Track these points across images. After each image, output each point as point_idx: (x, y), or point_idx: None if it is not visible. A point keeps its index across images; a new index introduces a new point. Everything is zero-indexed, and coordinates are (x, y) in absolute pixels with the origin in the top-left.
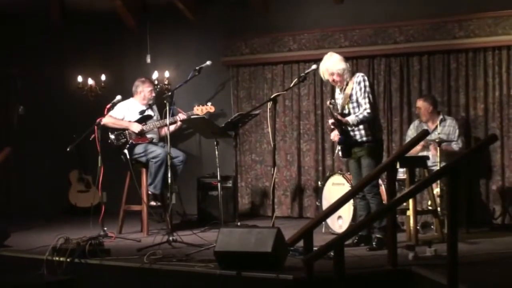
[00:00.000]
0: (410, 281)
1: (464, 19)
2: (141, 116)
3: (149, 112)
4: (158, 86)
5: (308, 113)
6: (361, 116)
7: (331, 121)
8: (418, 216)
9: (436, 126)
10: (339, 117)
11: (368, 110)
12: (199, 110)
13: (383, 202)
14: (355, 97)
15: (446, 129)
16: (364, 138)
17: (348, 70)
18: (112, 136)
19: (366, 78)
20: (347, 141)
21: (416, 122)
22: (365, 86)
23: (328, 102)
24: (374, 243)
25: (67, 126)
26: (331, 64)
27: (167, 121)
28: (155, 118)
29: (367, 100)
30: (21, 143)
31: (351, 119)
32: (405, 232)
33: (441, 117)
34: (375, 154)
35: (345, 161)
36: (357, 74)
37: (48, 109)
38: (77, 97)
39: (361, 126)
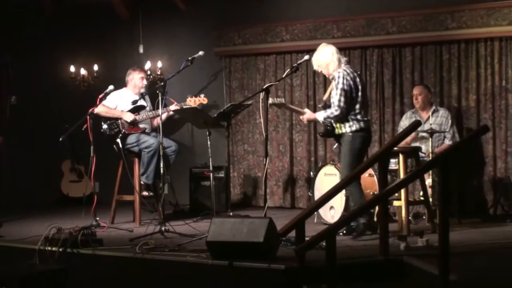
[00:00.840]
0: (401, 271)
1: (457, 10)
2: (133, 106)
3: (141, 102)
4: (151, 76)
5: (300, 103)
6: (328, 113)
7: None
8: (410, 207)
9: (429, 117)
10: (296, 108)
11: (336, 108)
12: (192, 102)
13: (361, 190)
14: (333, 93)
15: (439, 119)
16: (342, 130)
17: (334, 63)
18: (104, 126)
19: (342, 75)
20: (328, 133)
21: (408, 113)
22: (338, 83)
23: (270, 101)
24: (355, 227)
25: (60, 116)
26: (318, 55)
27: (160, 111)
28: (147, 108)
29: (337, 98)
30: (13, 133)
31: (319, 115)
32: (397, 222)
33: (433, 107)
34: (352, 144)
35: (337, 152)
36: (338, 70)
37: (41, 99)
38: (70, 87)
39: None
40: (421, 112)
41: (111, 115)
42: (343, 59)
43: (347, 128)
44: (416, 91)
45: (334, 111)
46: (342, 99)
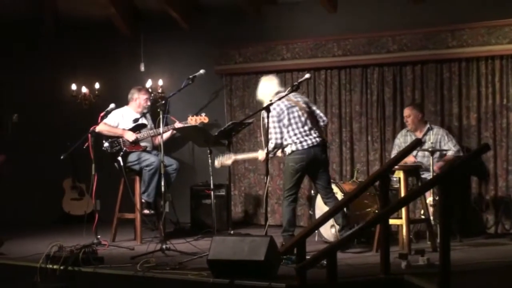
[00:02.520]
0: None
1: (457, 28)
2: (135, 124)
3: (143, 120)
4: (152, 95)
5: None
6: (269, 148)
7: None
8: (411, 225)
9: (423, 136)
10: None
11: (271, 142)
12: (193, 120)
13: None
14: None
15: (433, 137)
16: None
17: (267, 94)
18: (106, 144)
19: (263, 113)
20: None
21: (403, 131)
22: (268, 121)
23: (216, 164)
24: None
25: (61, 134)
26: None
27: (161, 129)
28: (149, 126)
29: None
30: (15, 151)
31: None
32: (398, 241)
33: (428, 126)
34: (286, 166)
35: (339, 170)
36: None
37: (42, 117)
38: (71, 105)
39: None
40: (415, 132)
41: (113, 133)
42: (276, 90)
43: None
44: (405, 113)
45: (270, 144)
46: (272, 131)
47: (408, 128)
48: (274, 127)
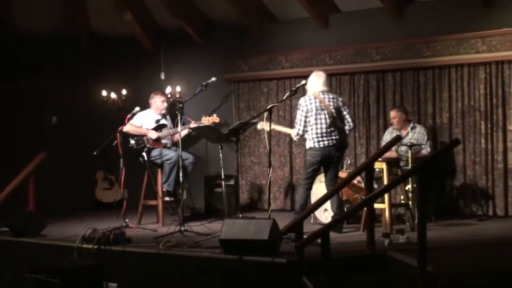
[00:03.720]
0: (386, 263)
1: (431, 40)
2: (157, 124)
3: (163, 121)
4: (171, 99)
5: None
6: (294, 133)
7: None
8: (392, 209)
9: (408, 133)
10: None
11: (295, 129)
12: (206, 120)
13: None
14: None
15: (416, 135)
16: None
17: (307, 87)
18: (132, 141)
19: (300, 102)
20: None
21: (390, 129)
22: (298, 108)
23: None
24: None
25: (94, 133)
26: None
27: (179, 129)
28: (168, 126)
29: (296, 121)
30: (55, 149)
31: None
32: (381, 222)
33: (411, 124)
34: (305, 158)
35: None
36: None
37: (78, 119)
38: (102, 108)
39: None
40: (401, 130)
41: (138, 133)
42: (315, 86)
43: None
44: (391, 115)
45: (294, 130)
46: (298, 122)
47: (395, 127)
48: (300, 120)
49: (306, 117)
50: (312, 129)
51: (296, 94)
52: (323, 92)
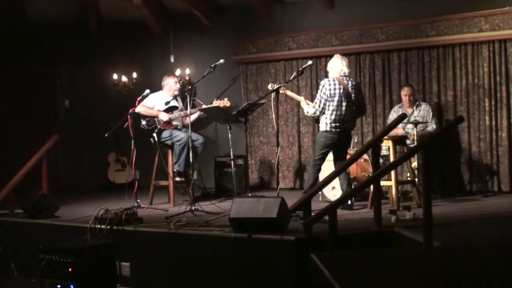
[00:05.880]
0: (393, 239)
1: (435, 20)
2: (168, 106)
3: (174, 103)
4: (181, 81)
5: None
6: (307, 108)
7: None
8: (399, 186)
9: (413, 111)
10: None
11: (311, 108)
12: (217, 104)
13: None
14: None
15: (421, 112)
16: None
17: (330, 69)
18: (143, 122)
19: (324, 83)
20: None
21: (396, 107)
22: (319, 90)
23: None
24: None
25: (105, 116)
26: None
27: (189, 110)
28: (180, 108)
29: (316, 100)
30: (67, 131)
31: (306, 107)
32: (388, 199)
33: (417, 102)
34: (317, 140)
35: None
36: (326, 79)
37: (89, 102)
38: (113, 91)
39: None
40: (407, 108)
41: (150, 113)
42: (339, 68)
43: (321, 128)
44: (405, 91)
45: (311, 108)
46: (318, 102)
47: (407, 104)
48: (320, 101)
49: (327, 100)
50: (332, 113)
51: (303, 74)
52: (346, 76)
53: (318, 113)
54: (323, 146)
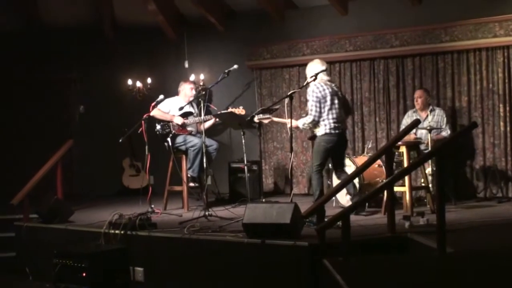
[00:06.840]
0: (406, 245)
1: (449, 26)
2: (183, 111)
3: (189, 108)
4: (196, 87)
5: None
6: (302, 120)
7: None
8: (413, 192)
9: (427, 116)
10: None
11: (308, 117)
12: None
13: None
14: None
15: (435, 117)
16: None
17: (310, 73)
18: (158, 126)
19: (312, 89)
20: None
21: (409, 112)
22: (309, 97)
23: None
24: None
25: (120, 121)
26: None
27: (202, 115)
28: (195, 114)
29: (308, 107)
30: (82, 137)
31: (299, 122)
32: (402, 205)
33: (431, 107)
34: (316, 145)
35: (352, 147)
36: (312, 83)
37: (104, 108)
38: (128, 97)
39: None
40: (420, 112)
41: (164, 118)
42: (321, 73)
43: (317, 132)
44: (416, 94)
45: (308, 118)
46: (313, 108)
47: (417, 107)
48: (316, 106)
49: (320, 102)
50: (328, 114)
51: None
52: (329, 81)
53: (316, 119)
54: (325, 149)
